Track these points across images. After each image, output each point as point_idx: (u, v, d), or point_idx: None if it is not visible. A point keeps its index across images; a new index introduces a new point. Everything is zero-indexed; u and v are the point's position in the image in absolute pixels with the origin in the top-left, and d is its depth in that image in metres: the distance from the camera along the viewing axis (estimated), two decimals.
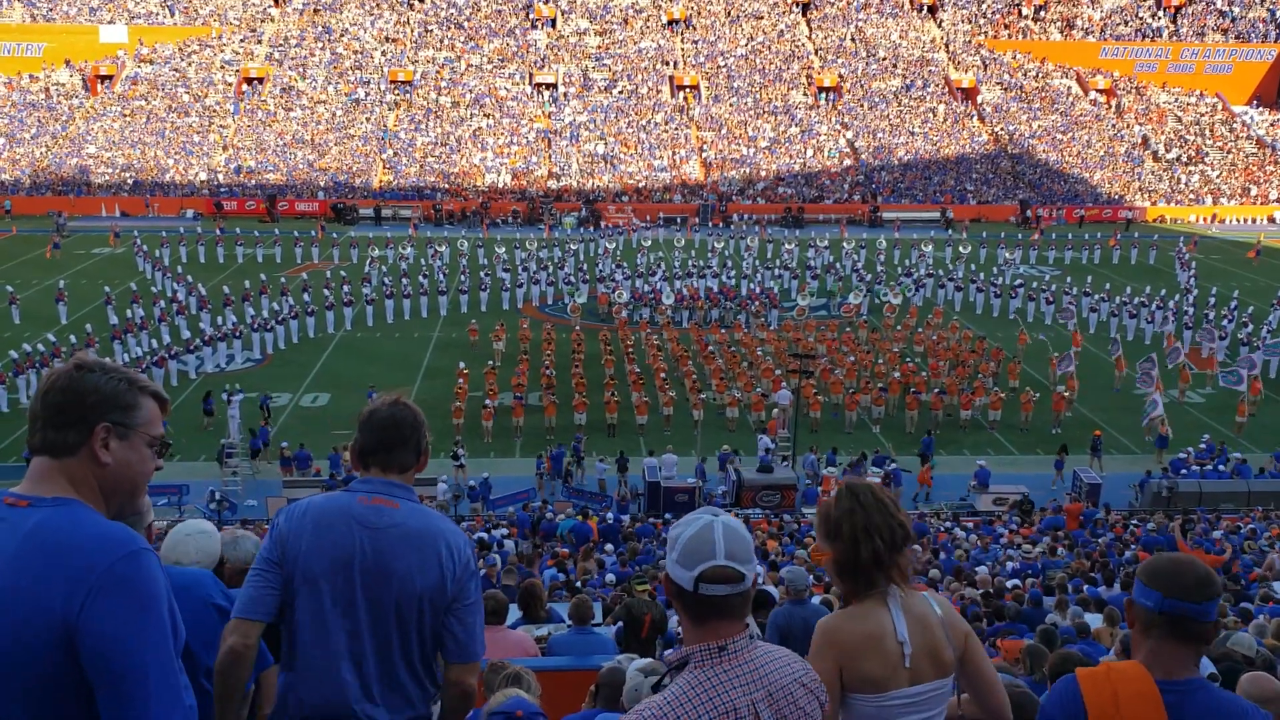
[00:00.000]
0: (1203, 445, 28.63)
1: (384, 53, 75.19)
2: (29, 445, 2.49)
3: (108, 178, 63.84)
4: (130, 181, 63.81)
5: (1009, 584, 14.72)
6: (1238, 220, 66.32)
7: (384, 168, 66.48)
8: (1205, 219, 66.10)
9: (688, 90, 74.22)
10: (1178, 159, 70.89)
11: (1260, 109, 76.67)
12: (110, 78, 71.63)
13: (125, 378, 2.51)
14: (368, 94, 72.07)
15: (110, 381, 2.47)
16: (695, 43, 77.81)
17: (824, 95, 74.32)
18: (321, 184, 64.55)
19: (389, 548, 3.26)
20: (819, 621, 3.17)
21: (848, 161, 68.88)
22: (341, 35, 76.28)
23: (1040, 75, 76.71)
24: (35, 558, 2.29)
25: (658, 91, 73.91)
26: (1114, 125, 73.46)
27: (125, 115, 68.54)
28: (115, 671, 2.26)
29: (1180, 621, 2.83)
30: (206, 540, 4.12)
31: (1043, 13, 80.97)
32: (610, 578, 14.80)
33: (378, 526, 3.28)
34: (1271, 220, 66.25)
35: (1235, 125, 74.25)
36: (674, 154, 68.60)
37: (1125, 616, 2.95)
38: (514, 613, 9.36)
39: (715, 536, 2.56)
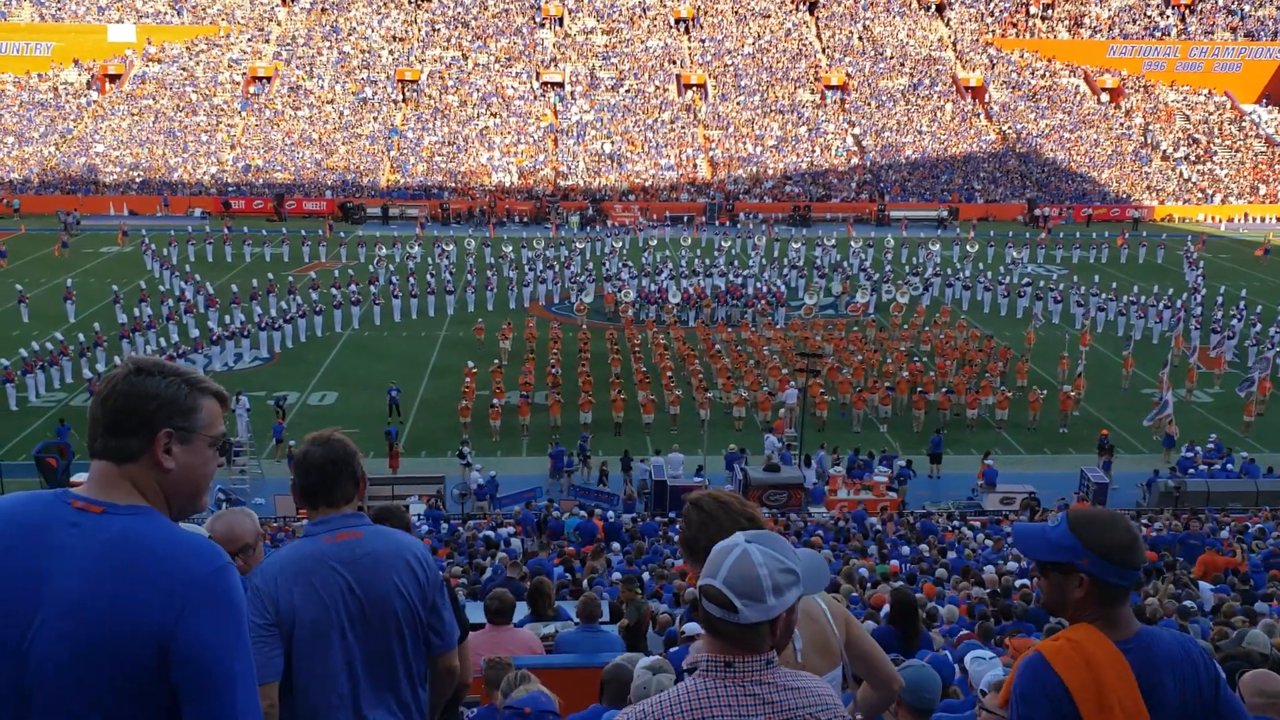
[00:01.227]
0: (1210, 444, 28.57)
1: (391, 52, 75.28)
2: (90, 450, 2.43)
3: (116, 177, 64.01)
4: (138, 180, 63.98)
5: (1017, 583, 14.71)
6: (1256, 219, 66.07)
7: (391, 167, 66.57)
8: (1232, 219, 65.80)
9: (695, 89, 74.21)
10: (1185, 158, 70.72)
11: (1269, 108, 76.43)
12: (118, 77, 71.84)
13: (185, 379, 2.48)
14: (375, 93, 72.15)
15: (170, 385, 2.43)
16: (702, 41, 77.79)
17: (831, 94, 74.25)
18: (329, 183, 64.67)
19: (368, 576, 3.40)
20: None
21: (855, 160, 68.82)
22: (349, 34, 76.39)
23: (1048, 74, 76.56)
24: (123, 567, 2.26)
25: (665, 90, 73.90)
26: (1122, 124, 73.30)
27: (133, 114, 68.70)
28: (208, 682, 2.27)
29: (1130, 589, 2.91)
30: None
31: (1050, 11, 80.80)
32: (616, 576, 14.82)
33: (352, 559, 3.41)
34: None
35: (1244, 124, 74.05)
36: (681, 153, 68.60)
37: (1074, 592, 2.90)
38: (522, 609, 9.38)
39: (727, 559, 2.55)
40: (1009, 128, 72.04)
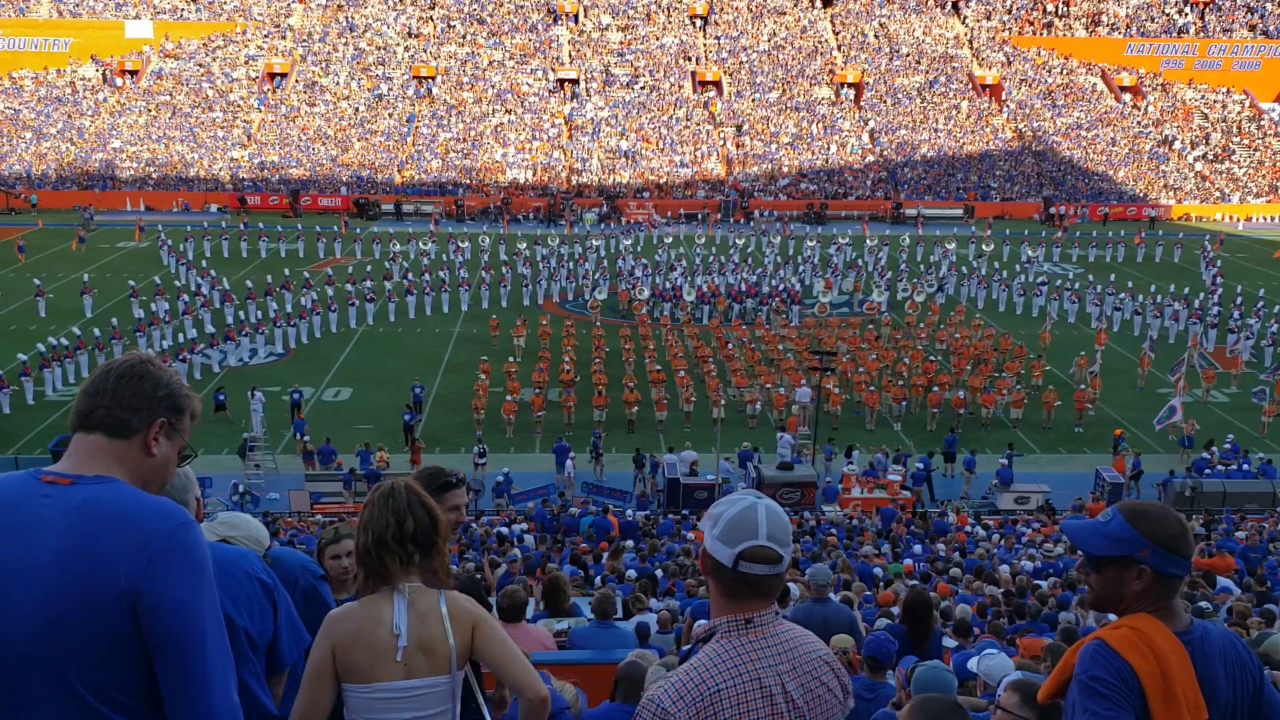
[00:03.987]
0: (1227, 445, 28.39)
1: (406, 48, 75.39)
2: (84, 421, 2.56)
3: (132, 172, 64.30)
4: (155, 176, 64.25)
5: (1034, 583, 14.65)
6: (1269, 219, 65.70)
7: (406, 163, 66.64)
8: (1250, 218, 65.35)
9: (710, 86, 74.12)
10: (1203, 156, 70.30)
11: None
12: (135, 73, 72.13)
13: (182, 383, 2.68)
14: (390, 89, 72.27)
15: (175, 382, 2.64)
16: (718, 38, 77.66)
17: (847, 91, 74.05)
18: (344, 179, 64.83)
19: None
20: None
21: (870, 158, 68.64)
22: (364, 30, 76.54)
23: (1065, 72, 76.19)
24: (92, 528, 2.38)
25: (680, 87, 73.82)
26: (1139, 122, 72.90)
27: (150, 110, 68.98)
28: (176, 635, 2.38)
29: (1183, 579, 2.94)
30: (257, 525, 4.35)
31: (1068, 9, 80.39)
32: (631, 574, 14.83)
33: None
34: None
35: (1263, 122, 73.55)
36: (695, 150, 68.53)
37: (1133, 584, 2.90)
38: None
39: (759, 518, 2.62)
40: (1025, 126, 71.73)
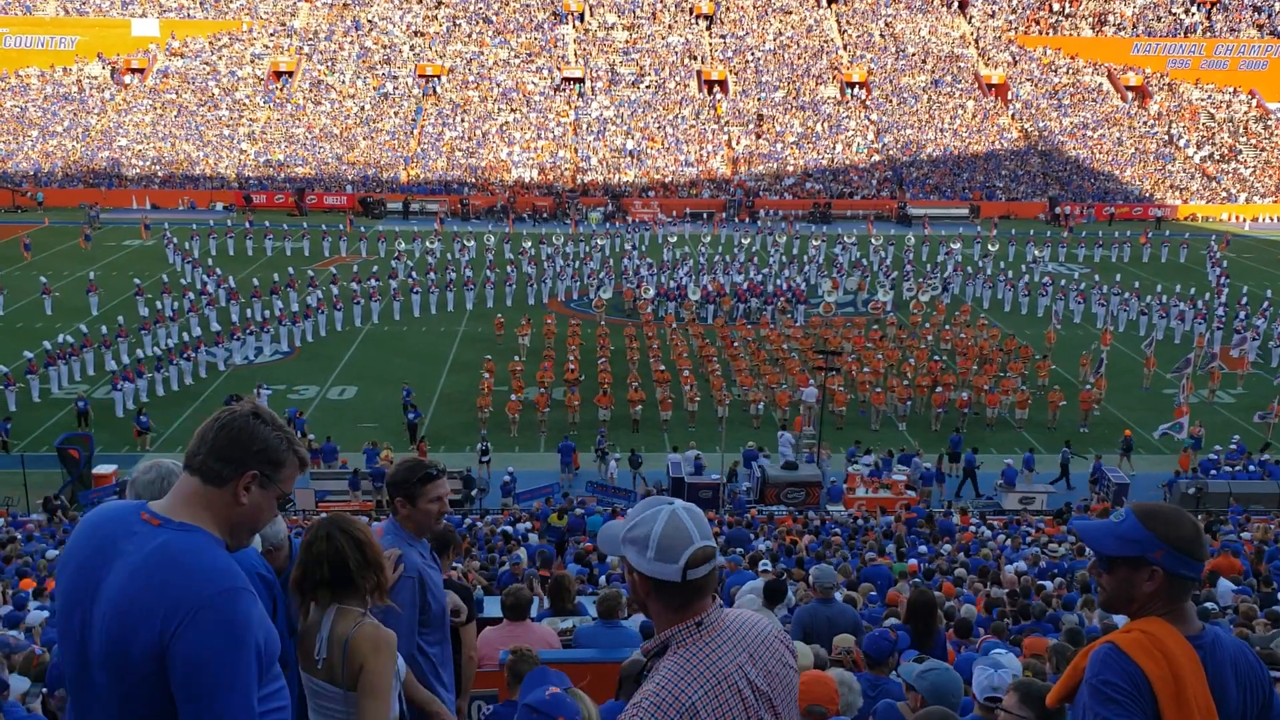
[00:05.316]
0: (1233, 445, 28.34)
1: (412, 47, 75.43)
2: (188, 462, 2.75)
3: (138, 170, 64.39)
4: (161, 174, 64.34)
5: (1039, 583, 14.63)
6: (1276, 219, 65.55)
7: (411, 161, 66.66)
8: (1256, 218, 65.19)
9: (716, 85, 74.07)
10: (1210, 157, 70.15)
11: None
12: (141, 71, 72.23)
13: (287, 437, 2.81)
14: (396, 88, 72.31)
15: (275, 438, 2.77)
16: (723, 37, 77.61)
17: (852, 90, 73.98)
18: (349, 178, 64.88)
19: None
20: None
21: (876, 157, 68.55)
22: (370, 29, 76.57)
23: (1071, 71, 76.05)
24: (149, 577, 2.57)
25: (685, 86, 73.77)
26: (1145, 122, 72.75)
27: (156, 108, 69.07)
28: (196, 694, 2.54)
29: (1196, 581, 2.93)
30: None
31: (1074, 8, 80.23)
32: None
33: None
34: None
35: (1269, 123, 73.36)
36: (701, 149, 68.49)
37: (1145, 586, 2.88)
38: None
39: (686, 523, 2.62)
40: (1031, 125, 71.61)
